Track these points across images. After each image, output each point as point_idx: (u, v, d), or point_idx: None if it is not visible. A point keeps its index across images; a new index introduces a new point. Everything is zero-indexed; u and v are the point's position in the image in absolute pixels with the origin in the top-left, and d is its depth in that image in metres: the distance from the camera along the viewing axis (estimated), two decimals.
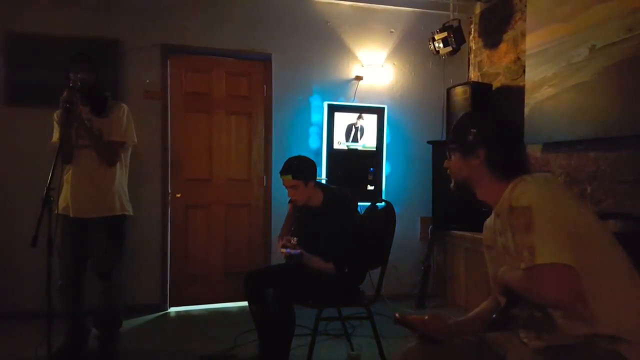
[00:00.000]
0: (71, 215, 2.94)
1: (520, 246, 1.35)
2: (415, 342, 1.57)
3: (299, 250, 2.73)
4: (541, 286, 1.28)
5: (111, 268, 3.03)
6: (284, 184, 2.84)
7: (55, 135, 2.96)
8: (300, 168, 2.80)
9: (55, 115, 2.99)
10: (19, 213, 3.65)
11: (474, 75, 4.84)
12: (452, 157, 1.59)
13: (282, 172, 2.81)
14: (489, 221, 1.62)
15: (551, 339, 1.38)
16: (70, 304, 2.98)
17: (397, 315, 1.55)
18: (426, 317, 1.54)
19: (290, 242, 2.79)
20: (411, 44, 4.74)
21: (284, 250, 2.76)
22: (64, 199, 2.98)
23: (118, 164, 3.06)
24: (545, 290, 1.28)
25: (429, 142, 4.09)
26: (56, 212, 2.94)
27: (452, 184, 1.63)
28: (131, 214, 3.17)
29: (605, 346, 1.29)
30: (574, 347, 1.33)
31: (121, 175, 3.11)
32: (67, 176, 2.99)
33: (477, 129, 1.52)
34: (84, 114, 2.90)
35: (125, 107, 3.11)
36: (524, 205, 1.35)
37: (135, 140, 3.18)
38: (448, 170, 1.62)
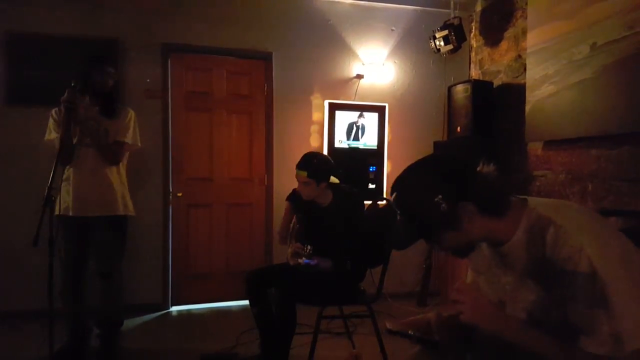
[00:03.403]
0: (71, 214, 2.94)
1: (585, 321, 1.16)
2: (417, 349, 1.50)
3: (315, 261, 2.73)
4: None
5: (113, 268, 3.04)
6: (296, 177, 2.82)
7: (52, 134, 2.96)
8: (318, 168, 2.78)
9: (53, 112, 3.00)
10: (19, 213, 3.65)
11: (474, 73, 4.83)
12: (441, 239, 1.33)
13: (299, 167, 2.80)
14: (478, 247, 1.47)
15: None
16: (72, 304, 2.98)
17: (388, 326, 1.42)
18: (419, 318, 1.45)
19: (303, 250, 2.76)
20: (412, 42, 4.74)
21: (301, 260, 2.74)
22: (65, 198, 2.98)
23: (120, 164, 3.09)
24: None
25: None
26: (57, 213, 2.96)
27: (458, 255, 1.42)
28: (133, 214, 3.18)
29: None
30: None
31: (123, 175, 3.13)
32: (67, 175, 3.00)
33: (441, 192, 1.25)
34: (91, 113, 2.93)
35: (132, 112, 3.17)
36: (585, 272, 1.14)
37: (139, 144, 3.21)
38: (442, 249, 1.38)
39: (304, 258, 2.73)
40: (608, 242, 1.21)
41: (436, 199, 1.24)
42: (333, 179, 2.90)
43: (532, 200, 1.32)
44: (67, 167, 2.99)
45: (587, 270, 1.14)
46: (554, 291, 1.22)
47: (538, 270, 1.26)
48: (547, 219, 1.24)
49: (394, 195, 1.36)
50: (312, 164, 2.78)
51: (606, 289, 1.13)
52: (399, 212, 1.36)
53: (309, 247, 2.75)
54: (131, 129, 3.10)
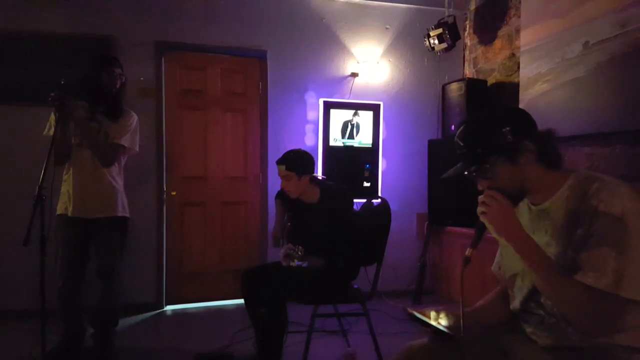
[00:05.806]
0: (70, 214, 2.93)
1: (594, 256, 1.22)
2: (429, 337, 1.50)
3: (307, 263, 2.74)
4: (606, 318, 1.21)
5: (114, 267, 3.04)
6: (278, 174, 2.87)
7: (51, 130, 2.95)
8: (295, 160, 2.83)
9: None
10: (11, 212, 3.63)
11: (469, 72, 4.84)
12: (496, 171, 1.37)
13: (278, 161, 2.85)
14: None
15: (563, 340, 1.33)
16: (70, 304, 2.97)
17: (409, 310, 1.47)
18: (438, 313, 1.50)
19: (294, 251, 2.78)
20: (407, 41, 4.74)
21: (293, 263, 2.75)
22: (66, 199, 2.98)
23: (117, 167, 3.08)
24: (607, 324, 1.21)
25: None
26: (59, 213, 2.96)
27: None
28: (128, 215, 3.16)
29: (620, 355, 1.25)
30: (585, 350, 1.29)
31: (121, 177, 3.13)
32: (68, 176, 2.99)
33: (510, 125, 1.34)
34: (96, 115, 2.94)
35: (135, 116, 3.17)
36: (616, 215, 1.21)
37: (137, 149, 3.20)
38: (487, 189, 1.39)
39: (295, 260, 2.73)
40: None
41: (504, 130, 1.34)
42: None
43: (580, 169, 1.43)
44: (67, 167, 2.99)
45: (618, 214, 1.21)
46: (579, 231, 1.28)
47: (571, 220, 1.31)
48: (596, 177, 1.32)
49: (460, 129, 1.44)
50: (289, 156, 2.85)
51: (627, 237, 1.20)
52: (462, 143, 1.42)
53: (300, 248, 2.76)
54: (130, 133, 3.09)
